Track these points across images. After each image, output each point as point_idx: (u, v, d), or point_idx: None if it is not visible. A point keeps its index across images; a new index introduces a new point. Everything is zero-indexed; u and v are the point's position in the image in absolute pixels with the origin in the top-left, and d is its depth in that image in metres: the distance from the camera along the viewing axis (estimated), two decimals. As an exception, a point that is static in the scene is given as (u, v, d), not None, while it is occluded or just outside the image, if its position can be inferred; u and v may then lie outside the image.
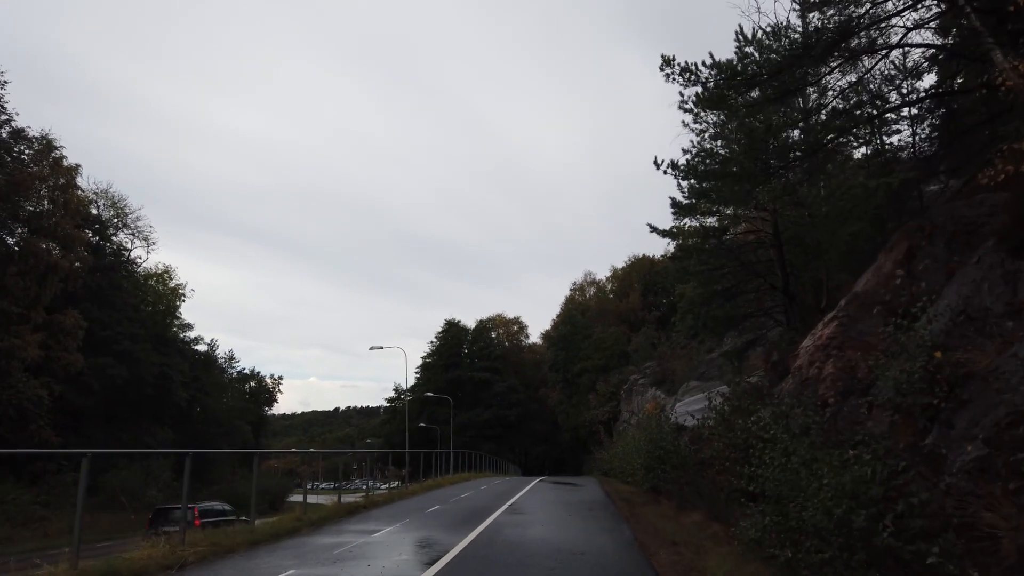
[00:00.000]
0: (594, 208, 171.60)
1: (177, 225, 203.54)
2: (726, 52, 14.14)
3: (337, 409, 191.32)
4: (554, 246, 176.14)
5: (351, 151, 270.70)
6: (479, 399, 71.04)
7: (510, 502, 16.58)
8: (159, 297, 43.86)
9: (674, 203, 16.08)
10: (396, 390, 78.87)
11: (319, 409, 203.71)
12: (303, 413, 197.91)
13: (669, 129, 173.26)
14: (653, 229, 16.65)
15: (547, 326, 74.76)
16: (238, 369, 73.83)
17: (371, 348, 42.15)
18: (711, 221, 16.28)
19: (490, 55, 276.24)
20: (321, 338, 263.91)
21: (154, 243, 44.89)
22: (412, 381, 79.28)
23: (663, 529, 10.76)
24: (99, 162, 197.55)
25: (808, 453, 6.86)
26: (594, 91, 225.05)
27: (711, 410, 11.47)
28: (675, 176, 12.72)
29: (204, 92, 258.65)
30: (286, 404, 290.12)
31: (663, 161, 12.87)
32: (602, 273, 77.97)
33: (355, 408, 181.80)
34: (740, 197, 12.62)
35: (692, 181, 13.96)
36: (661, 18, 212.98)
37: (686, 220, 16.40)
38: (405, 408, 42.80)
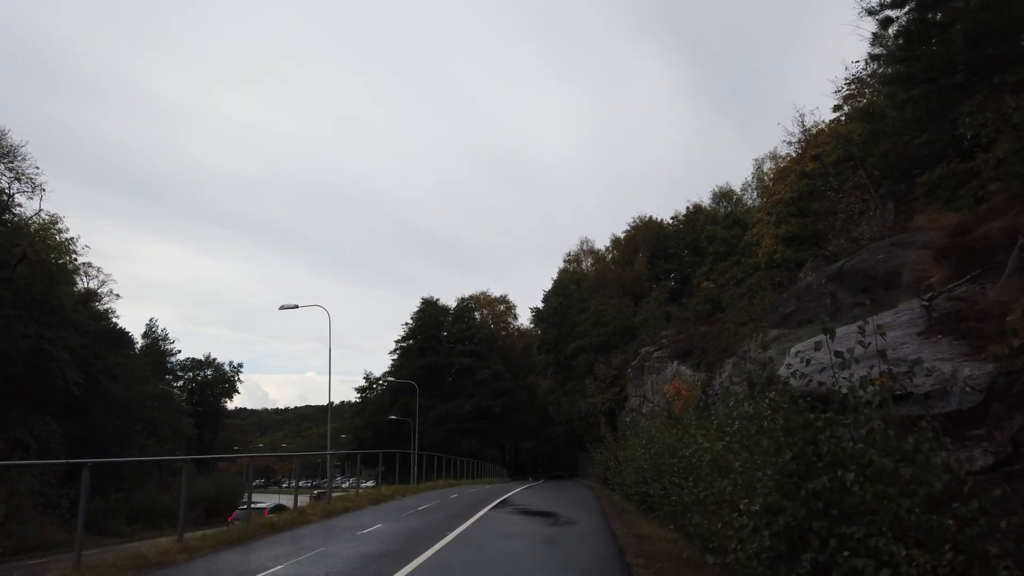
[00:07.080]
0: (595, 200, 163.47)
1: (175, 218, 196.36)
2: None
3: (331, 404, 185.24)
4: (554, 238, 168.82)
5: (350, 143, 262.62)
6: (460, 388, 61.87)
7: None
8: (40, 254, 34.49)
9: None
10: (367, 378, 70.18)
11: (314, 404, 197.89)
12: (296, 408, 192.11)
13: (669, 123, 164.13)
14: None
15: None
16: (175, 352, 65.10)
17: (281, 307, 32.37)
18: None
19: (491, 45, 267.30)
20: (319, 332, 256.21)
21: (43, 188, 35.65)
22: (387, 366, 70.49)
23: None
24: (96, 152, 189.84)
25: None
26: (595, 82, 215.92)
27: None
28: None
29: (203, 82, 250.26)
30: (283, 399, 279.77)
31: None
32: (601, 242, 67.78)
33: (348, 403, 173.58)
34: None
35: None
36: (663, 8, 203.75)
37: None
38: (329, 398, 33.66)
